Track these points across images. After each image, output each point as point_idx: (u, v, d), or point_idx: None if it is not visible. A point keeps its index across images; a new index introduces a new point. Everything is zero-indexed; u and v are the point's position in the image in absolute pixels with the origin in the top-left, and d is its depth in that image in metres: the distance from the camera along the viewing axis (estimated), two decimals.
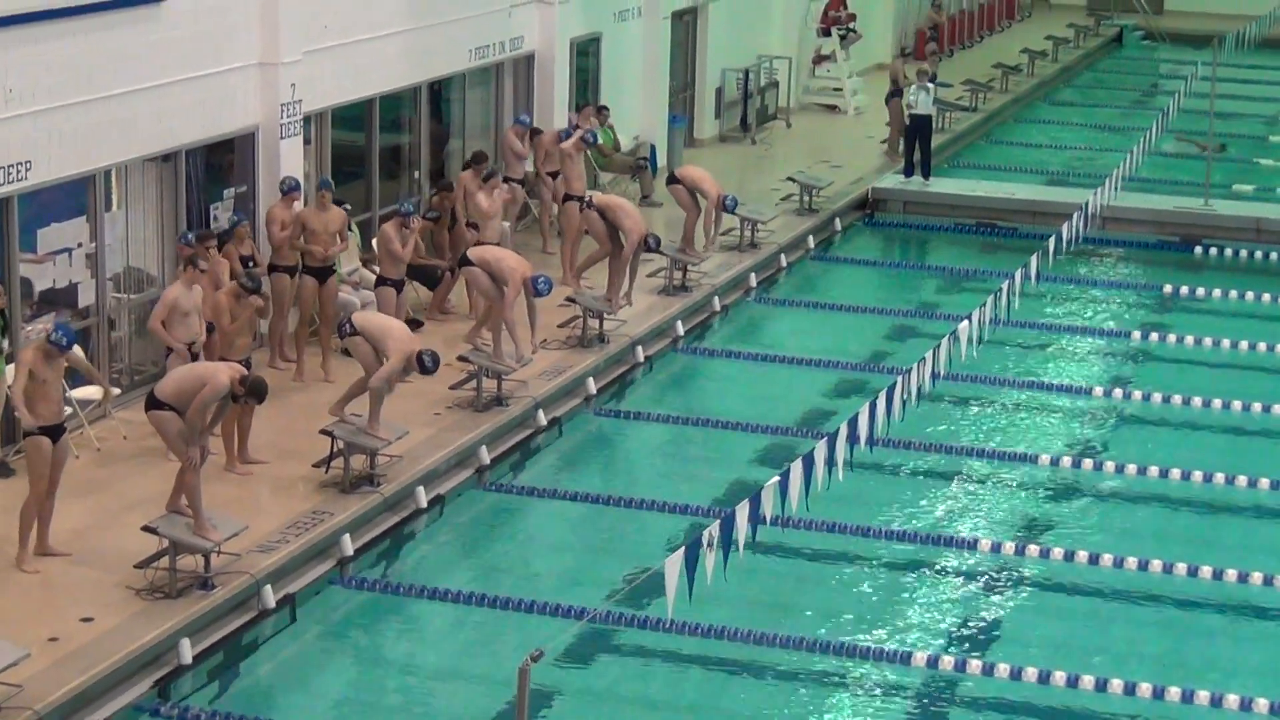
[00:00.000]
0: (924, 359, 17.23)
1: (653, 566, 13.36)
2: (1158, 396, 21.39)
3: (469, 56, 25.25)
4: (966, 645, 15.66)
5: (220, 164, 20.76)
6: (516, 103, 26.67)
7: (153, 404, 15.71)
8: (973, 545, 17.38)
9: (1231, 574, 16.62)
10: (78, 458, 17.38)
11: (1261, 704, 14.34)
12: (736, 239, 26.21)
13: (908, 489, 18.96)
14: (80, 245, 18.56)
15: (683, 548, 12.06)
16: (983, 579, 16.97)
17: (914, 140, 30.28)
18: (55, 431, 15.41)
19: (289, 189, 20.10)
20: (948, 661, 15.09)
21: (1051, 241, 22.07)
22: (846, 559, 17.22)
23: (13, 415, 16.61)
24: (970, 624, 16.13)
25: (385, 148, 23.90)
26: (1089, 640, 15.90)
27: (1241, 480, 18.84)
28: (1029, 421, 21.16)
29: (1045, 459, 19.53)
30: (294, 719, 14.42)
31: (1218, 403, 21.11)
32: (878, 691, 14.89)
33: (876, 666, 15.14)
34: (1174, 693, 14.50)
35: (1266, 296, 25.26)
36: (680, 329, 23.21)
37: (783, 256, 26.60)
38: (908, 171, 30.35)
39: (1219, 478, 18.88)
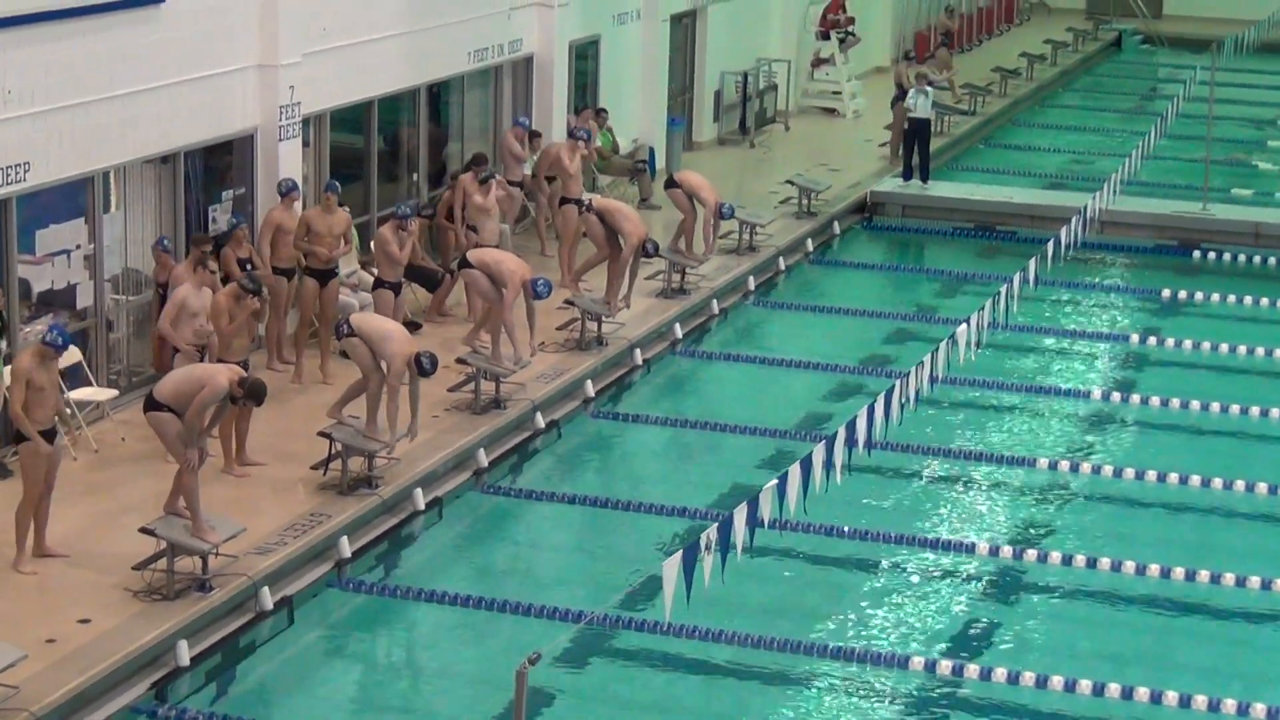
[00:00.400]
0: (922, 362, 17.25)
1: (650, 569, 13.39)
2: (1156, 400, 21.39)
3: (468, 59, 25.26)
4: (964, 649, 15.65)
5: (219, 166, 20.75)
6: (515, 105, 26.67)
7: (151, 405, 15.70)
8: (970, 549, 17.38)
9: (1229, 578, 16.62)
10: (75, 459, 17.38)
11: (1259, 709, 14.33)
12: (735, 242, 26.22)
13: (906, 492, 18.97)
14: (79, 247, 18.56)
15: (681, 551, 12.07)
16: (980, 583, 16.97)
17: (912, 144, 30.30)
18: (49, 435, 15.40)
19: (286, 190, 20.09)
20: (945, 665, 15.09)
21: (1050, 245, 22.08)
22: (844, 562, 17.22)
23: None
24: (968, 628, 16.12)
25: (384, 150, 23.90)
26: (1086, 644, 15.90)
27: (1239, 485, 18.85)
28: (1027, 425, 21.16)
29: (1043, 462, 19.53)
30: None
31: (1216, 407, 21.12)
32: (875, 695, 14.88)
33: (874, 670, 15.13)
34: (1171, 697, 14.50)
35: (1265, 301, 25.27)
36: (679, 332, 23.21)
37: (781, 260, 26.61)
38: (906, 175, 30.37)
39: (1217, 482, 18.89)
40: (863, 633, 15.86)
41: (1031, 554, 17.29)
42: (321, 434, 17.36)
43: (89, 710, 13.62)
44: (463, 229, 23.00)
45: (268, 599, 15.38)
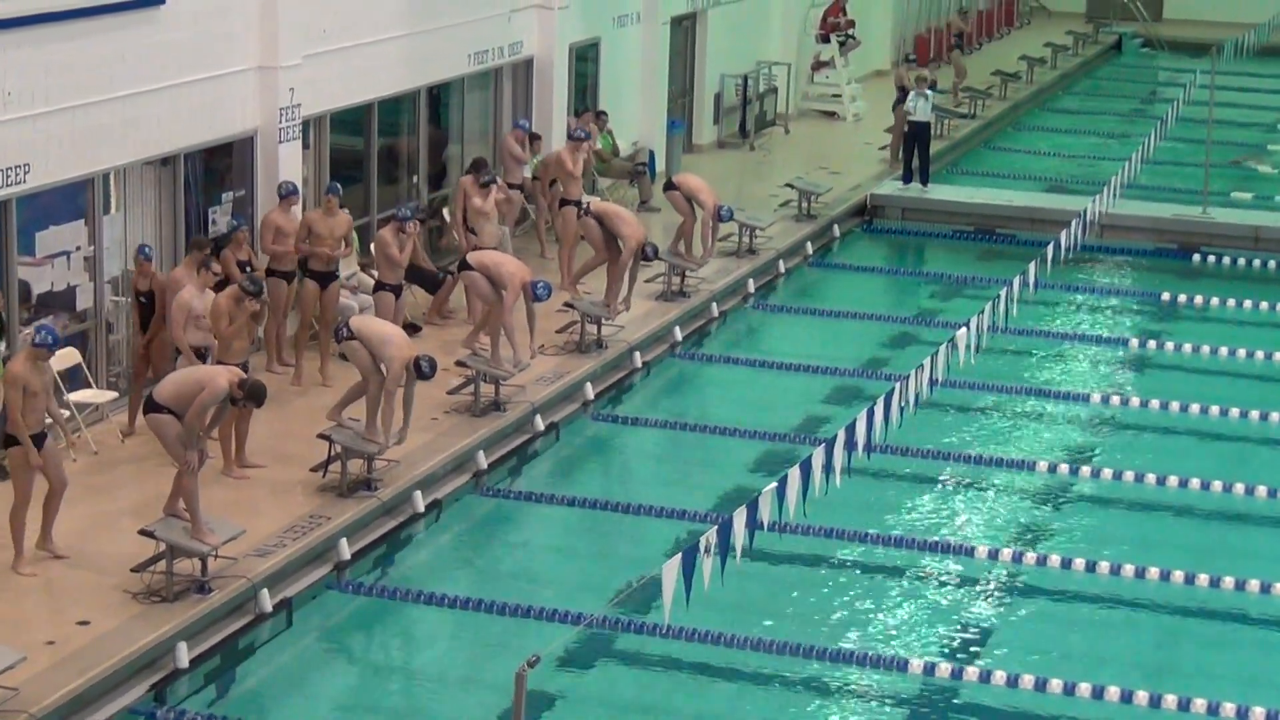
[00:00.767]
0: (922, 365, 17.25)
1: (650, 572, 13.39)
2: (1155, 404, 21.39)
3: (468, 61, 25.26)
4: (963, 652, 15.65)
5: (219, 168, 20.75)
6: (515, 108, 26.67)
7: (151, 407, 15.69)
8: (970, 552, 17.38)
9: (1229, 582, 16.62)
10: (75, 460, 17.37)
11: (1258, 712, 14.33)
12: (735, 245, 26.23)
13: (905, 495, 18.97)
14: (78, 248, 18.55)
15: (680, 553, 12.07)
16: (980, 586, 16.97)
17: (912, 147, 30.31)
18: (39, 439, 15.36)
19: (286, 193, 20.08)
20: (944, 668, 15.09)
21: (1050, 249, 22.09)
22: (844, 565, 17.21)
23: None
24: (967, 631, 16.12)
25: (384, 152, 23.90)
26: (1085, 647, 15.89)
27: (1240, 488, 18.84)
28: (1026, 428, 21.16)
29: (1043, 466, 19.52)
30: None
31: (1216, 410, 21.11)
32: (874, 698, 14.88)
33: (874, 673, 15.13)
34: (1170, 700, 14.50)
35: (1265, 304, 25.27)
36: (678, 335, 23.21)
37: (781, 263, 26.61)
38: (906, 178, 30.37)
39: (1217, 485, 18.89)
40: (862, 635, 15.86)
41: (1031, 557, 17.29)
42: (321, 436, 17.36)
43: (88, 712, 13.62)
44: (462, 231, 23.01)
45: (267, 601, 15.38)
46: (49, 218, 18.24)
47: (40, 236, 18.15)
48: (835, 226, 28.77)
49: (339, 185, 20.88)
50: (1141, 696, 14.53)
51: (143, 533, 15.11)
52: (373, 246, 21.43)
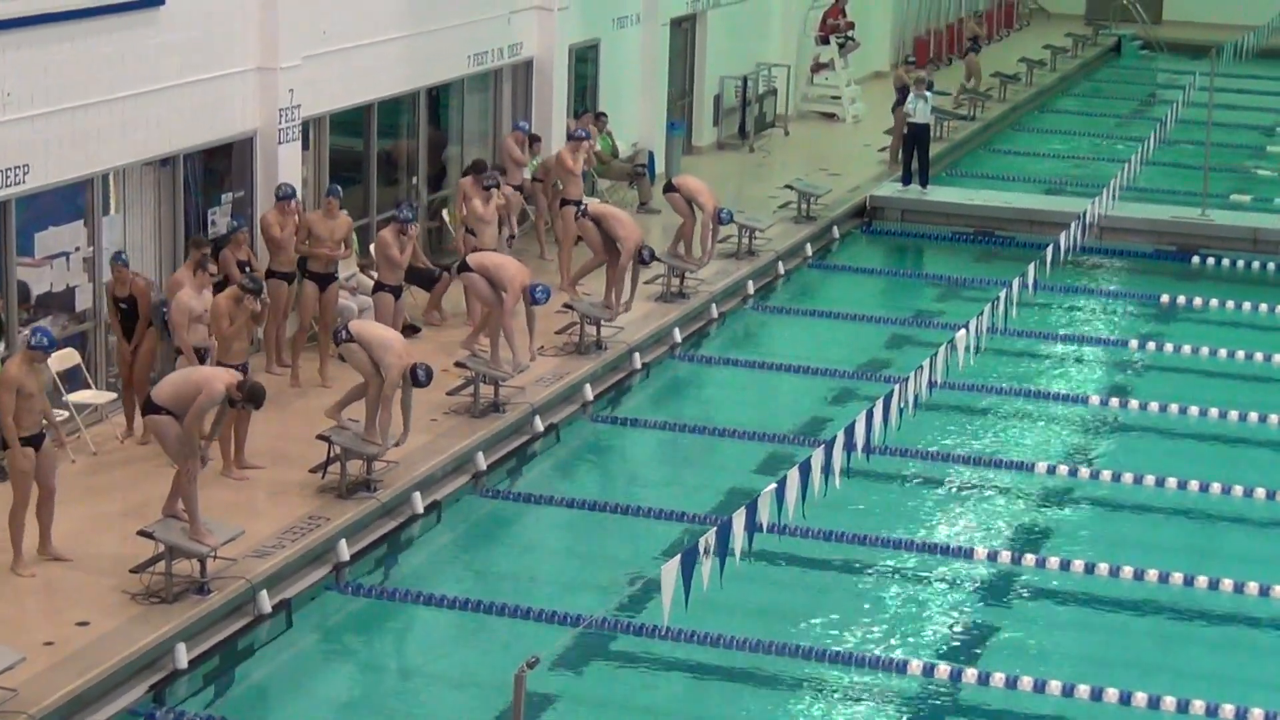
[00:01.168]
0: (921, 367, 17.25)
1: (649, 573, 13.39)
2: (1154, 406, 21.39)
3: (468, 62, 25.27)
4: (962, 654, 15.66)
5: (218, 168, 20.75)
6: (515, 109, 26.68)
7: (150, 408, 15.69)
8: (969, 554, 17.38)
9: (1228, 584, 16.62)
10: (73, 461, 17.37)
11: (1257, 714, 14.33)
12: (734, 247, 26.23)
13: (904, 497, 18.97)
14: (78, 249, 18.56)
15: (679, 555, 12.07)
16: (978, 587, 16.98)
17: (912, 148, 30.32)
18: (36, 440, 15.36)
19: (283, 196, 20.05)
20: (943, 669, 15.09)
21: (1049, 250, 22.10)
22: (843, 567, 17.21)
23: None
24: (966, 632, 16.13)
25: (383, 153, 23.90)
26: (1084, 649, 15.90)
27: (1238, 490, 18.84)
28: (1026, 430, 21.16)
29: (1042, 467, 19.53)
30: None
31: (1214, 412, 21.11)
32: (873, 699, 14.89)
33: (873, 674, 15.13)
34: (1169, 702, 14.50)
35: (1263, 306, 25.28)
36: (678, 336, 23.21)
37: (780, 264, 26.62)
38: (905, 180, 30.38)
39: (1215, 487, 18.89)
40: (861, 637, 15.86)
41: (1030, 558, 17.29)
42: (320, 437, 17.36)
43: (87, 713, 13.62)
44: (460, 232, 23.01)
45: (266, 602, 15.37)
46: (48, 218, 18.24)
47: (39, 237, 18.15)
48: (835, 228, 28.78)
49: (339, 188, 20.87)
50: (1140, 698, 14.53)
51: (142, 534, 15.12)
52: (372, 248, 21.44)
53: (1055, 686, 14.72)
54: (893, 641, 15.83)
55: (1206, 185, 29.29)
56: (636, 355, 22.17)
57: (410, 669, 15.72)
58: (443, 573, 17.03)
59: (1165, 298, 26.05)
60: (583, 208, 23.17)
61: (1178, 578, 16.73)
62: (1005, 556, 17.31)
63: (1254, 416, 20.96)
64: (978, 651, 15.76)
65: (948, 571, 17.20)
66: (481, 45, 25.47)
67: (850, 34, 37.73)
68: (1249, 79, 41.04)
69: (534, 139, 25.54)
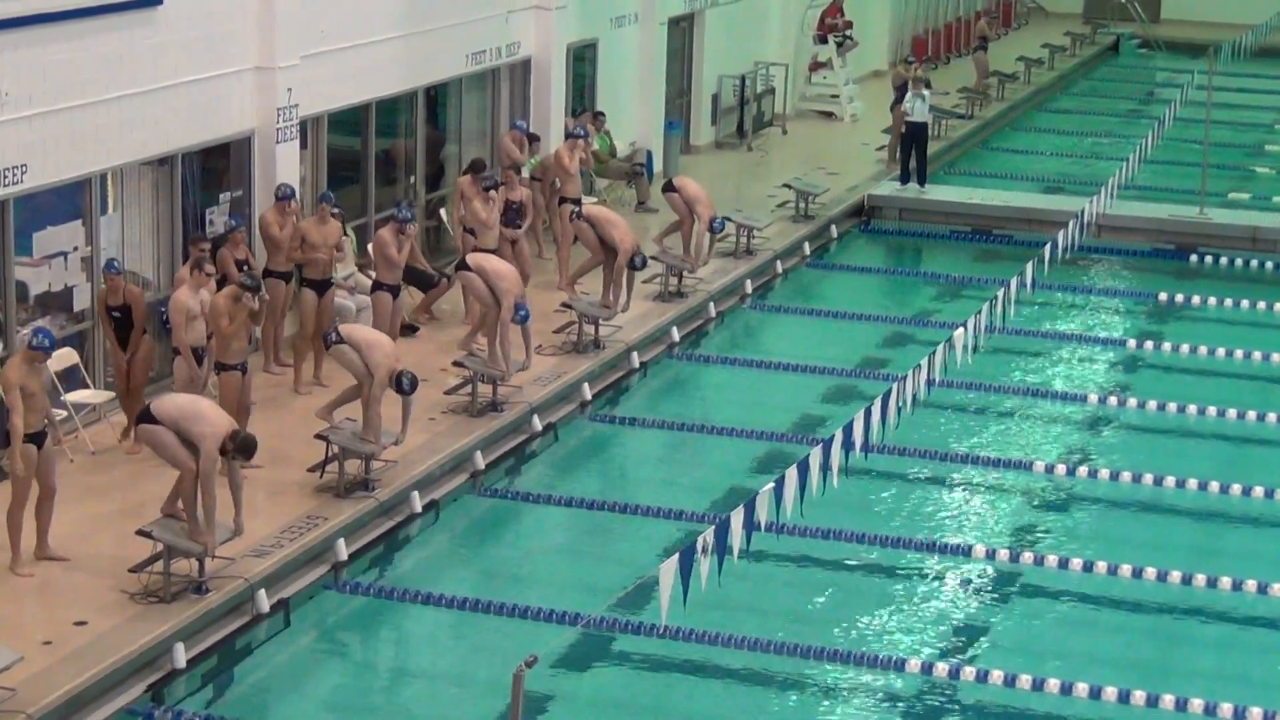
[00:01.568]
0: (919, 366, 17.24)
1: (648, 572, 13.38)
2: (1153, 404, 21.40)
3: (465, 62, 25.26)
4: (960, 651, 15.66)
5: (216, 168, 20.75)
6: (513, 108, 26.68)
7: (146, 419, 15.53)
8: (967, 552, 17.38)
9: (1226, 582, 16.62)
10: (72, 461, 17.37)
11: (1256, 713, 14.33)
12: (732, 245, 26.22)
13: (903, 496, 18.97)
14: (76, 249, 18.55)
15: (677, 554, 12.06)
16: (977, 586, 16.98)
17: (910, 147, 30.33)
18: (39, 438, 15.37)
19: (283, 196, 20.04)
20: (942, 668, 15.09)
21: (1047, 249, 22.08)
22: (841, 566, 17.22)
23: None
24: (964, 631, 16.13)
25: (381, 153, 23.90)
26: (1083, 647, 15.90)
27: (1236, 489, 18.84)
28: (1024, 429, 21.17)
29: (1040, 466, 19.53)
30: None
31: (1213, 411, 21.12)
32: (872, 698, 14.89)
33: (871, 673, 15.13)
34: (1168, 700, 14.51)
35: (1262, 305, 25.28)
36: (676, 335, 23.21)
37: (779, 263, 26.62)
38: (904, 178, 30.38)
39: (1214, 486, 18.89)
40: (860, 635, 15.86)
41: (1028, 557, 17.29)
42: (319, 436, 17.35)
43: (85, 712, 13.61)
44: (458, 231, 23.01)
45: (264, 601, 15.37)
46: (46, 218, 18.23)
47: (38, 237, 18.15)
48: (833, 227, 28.78)
49: (331, 194, 20.81)
50: (1139, 696, 14.53)
51: (140, 533, 15.11)
52: (370, 247, 21.43)
53: (1054, 685, 14.73)
54: (891, 640, 15.83)
55: (1205, 183, 29.29)
56: (635, 354, 22.17)
57: (409, 668, 15.72)
58: (441, 572, 17.03)
59: (1163, 296, 26.05)
60: (577, 210, 23.15)
61: (1176, 576, 16.73)
62: (1004, 555, 17.31)
63: (1253, 415, 20.96)
64: (976, 650, 15.76)
65: (946, 570, 17.20)
66: (479, 44, 25.46)
67: (848, 33, 37.74)
68: (1247, 77, 41.05)
69: (533, 138, 25.53)
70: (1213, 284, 26.83)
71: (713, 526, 12.52)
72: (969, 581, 17.04)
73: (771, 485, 13.30)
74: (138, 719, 13.91)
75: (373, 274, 20.98)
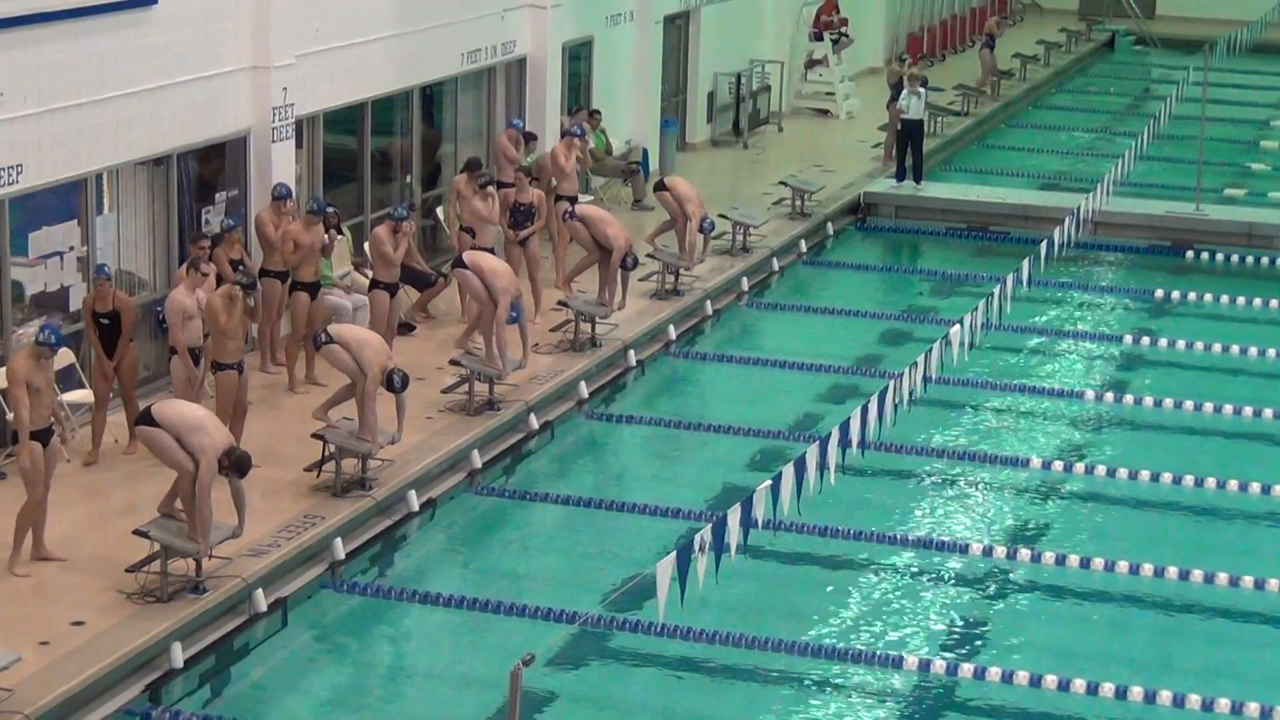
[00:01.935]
0: (916, 363, 17.25)
1: (645, 570, 13.39)
2: (1149, 401, 21.41)
3: (461, 60, 25.25)
4: (958, 649, 15.66)
5: (212, 167, 20.74)
6: (509, 107, 26.66)
7: (146, 421, 15.50)
8: (964, 549, 17.39)
9: (1223, 578, 16.63)
10: (69, 460, 17.36)
11: (1253, 708, 14.35)
12: (728, 243, 26.21)
13: (899, 493, 18.98)
14: (72, 249, 18.54)
15: (674, 552, 12.07)
16: (974, 582, 16.98)
17: (906, 145, 30.33)
18: (44, 435, 15.40)
19: (279, 196, 20.03)
20: (939, 665, 15.10)
21: (1043, 246, 22.10)
22: (838, 563, 17.22)
23: (2, 417, 16.63)
24: (962, 627, 16.13)
25: (377, 151, 23.89)
26: (1080, 644, 15.91)
27: (1233, 484, 18.86)
28: (1020, 425, 21.18)
29: (1036, 463, 19.54)
30: None
31: (1209, 407, 21.13)
32: (870, 695, 14.89)
33: (869, 670, 15.14)
34: (1165, 696, 14.52)
35: (1258, 301, 25.29)
36: (672, 333, 23.21)
37: (775, 261, 26.62)
38: (899, 176, 30.38)
39: (1210, 482, 18.90)
40: (857, 632, 15.87)
41: (1025, 554, 17.30)
42: (315, 436, 17.35)
43: (83, 712, 13.61)
44: (454, 230, 23.00)
45: (261, 601, 15.37)
46: (42, 218, 18.22)
47: (33, 237, 18.14)
48: (829, 224, 28.78)
49: (320, 201, 20.68)
50: (1136, 692, 14.54)
51: (137, 533, 15.10)
52: (367, 245, 21.42)
53: (1051, 681, 14.74)
54: (889, 637, 15.84)
55: (1200, 180, 29.30)
56: (631, 352, 22.16)
57: (406, 667, 15.71)
58: (438, 570, 17.03)
59: (1160, 293, 26.06)
60: (571, 209, 23.14)
61: (1173, 572, 16.74)
62: (1000, 551, 17.32)
63: (1249, 411, 20.98)
64: (974, 646, 15.77)
65: (943, 567, 17.20)
66: (475, 43, 25.45)
67: (844, 30, 37.74)
68: (1243, 74, 41.06)
69: (529, 137, 25.51)
70: (1209, 280, 26.84)
71: (710, 524, 12.52)
72: (966, 578, 17.04)
73: (769, 483, 13.31)
74: (135, 719, 13.90)
75: (369, 273, 20.96)
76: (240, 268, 19.07)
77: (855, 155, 33.00)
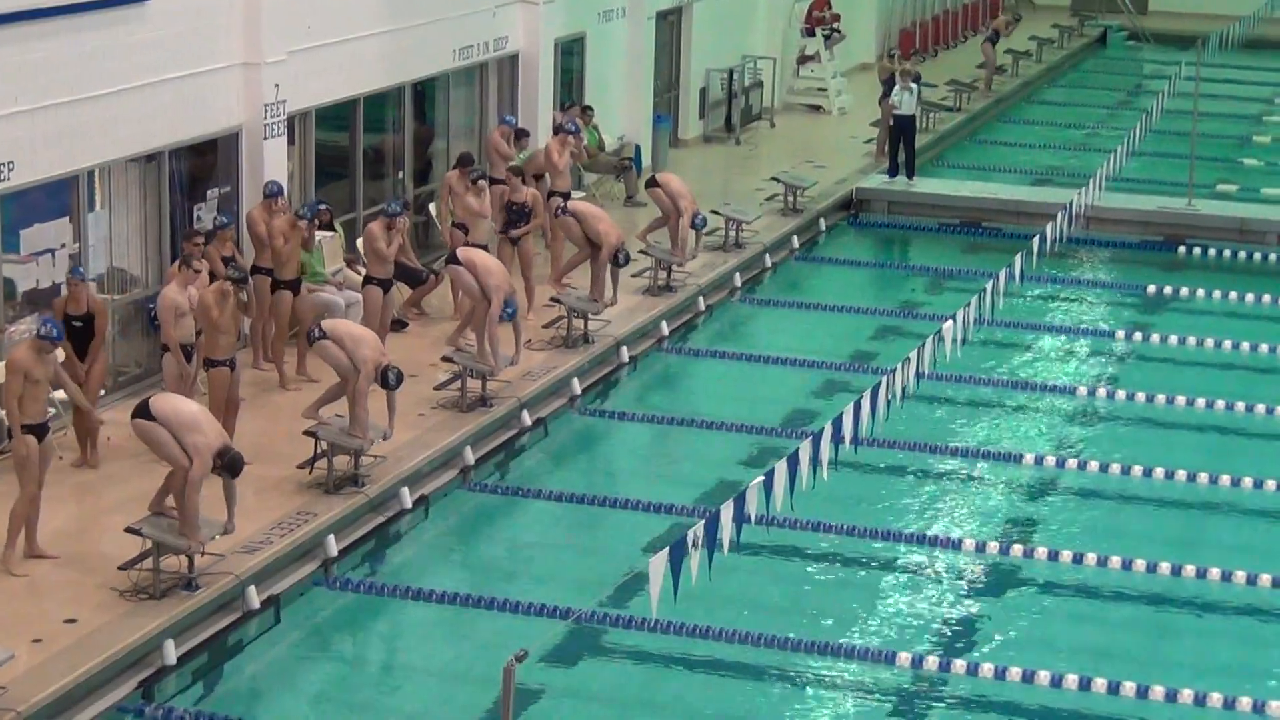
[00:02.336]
0: (908, 359, 17.23)
1: (637, 566, 13.38)
2: (1141, 396, 21.42)
3: (453, 57, 25.24)
4: (950, 644, 15.67)
5: (204, 164, 20.72)
6: (501, 103, 26.66)
7: (143, 414, 15.50)
8: (957, 545, 17.40)
9: (1215, 573, 16.64)
10: (60, 458, 17.32)
11: (1244, 703, 14.36)
12: (720, 239, 26.21)
13: (892, 488, 18.98)
14: (63, 246, 18.52)
15: (667, 548, 12.06)
16: (967, 578, 17.00)
17: (898, 140, 30.33)
18: (40, 430, 15.40)
19: (270, 193, 20.00)
20: (932, 661, 15.10)
21: (1035, 241, 22.07)
22: (831, 559, 17.23)
23: None
24: (954, 623, 16.14)
25: (369, 148, 23.88)
26: (1071, 639, 15.92)
27: (1225, 480, 18.86)
28: (1013, 421, 21.18)
29: (1029, 458, 19.55)
30: None
31: (1201, 402, 21.14)
32: (862, 691, 14.90)
33: (861, 666, 15.14)
34: (1158, 692, 14.52)
35: (1250, 296, 25.31)
36: (665, 329, 23.20)
37: (767, 257, 26.61)
38: (892, 172, 30.38)
39: (1203, 477, 18.90)
40: (849, 628, 15.87)
41: (1018, 549, 17.30)
42: (307, 433, 17.33)
43: (76, 709, 13.61)
44: (446, 226, 22.98)
45: (254, 598, 15.36)
46: (34, 215, 18.20)
47: (25, 234, 18.12)
48: (821, 220, 28.78)
49: (313, 206, 20.66)
50: (1129, 687, 14.55)
51: (129, 530, 15.09)
52: (359, 242, 21.41)
53: (1044, 677, 14.74)
54: (882, 633, 15.84)
55: (1193, 175, 29.31)
56: (624, 349, 22.16)
57: (399, 663, 15.71)
58: (431, 567, 17.02)
59: (1152, 288, 26.07)
60: (562, 205, 23.13)
61: (1165, 567, 16.75)
62: (993, 547, 17.32)
63: (1241, 406, 20.99)
64: (966, 642, 15.76)
65: (936, 563, 17.21)
66: (467, 39, 25.44)
67: (836, 26, 37.73)
68: (1235, 69, 41.05)
69: (521, 133, 25.48)
70: (1201, 275, 26.85)
71: (703, 520, 12.52)
72: (959, 574, 17.05)
73: (761, 479, 13.31)
74: (128, 716, 13.90)
75: (361, 269, 20.95)
76: (231, 264, 19.05)
77: (847, 151, 33.00)
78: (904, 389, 17.03)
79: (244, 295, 17.68)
